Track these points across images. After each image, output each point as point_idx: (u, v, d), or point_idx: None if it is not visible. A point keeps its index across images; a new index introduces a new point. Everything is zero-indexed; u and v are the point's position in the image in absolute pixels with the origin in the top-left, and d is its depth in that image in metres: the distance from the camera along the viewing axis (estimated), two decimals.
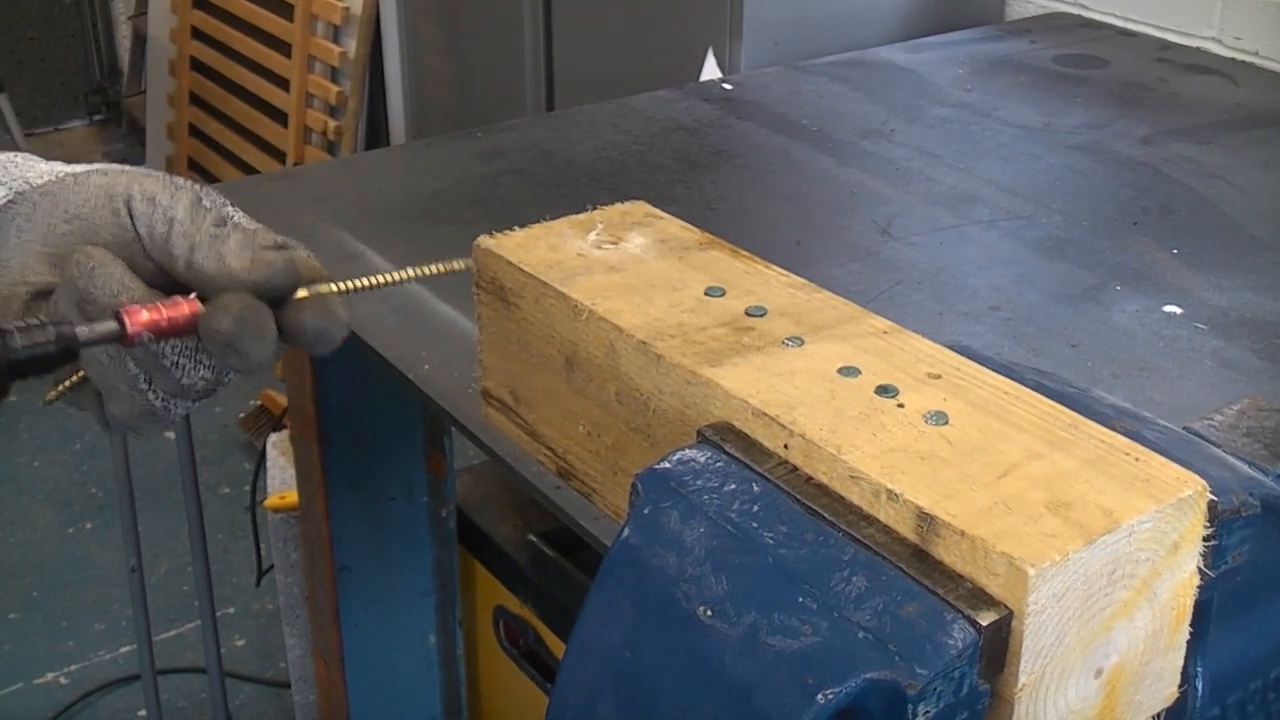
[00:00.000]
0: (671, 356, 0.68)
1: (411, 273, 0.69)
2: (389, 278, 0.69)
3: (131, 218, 0.64)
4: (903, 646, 0.53)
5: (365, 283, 0.68)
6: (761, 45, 2.07)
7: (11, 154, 0.71)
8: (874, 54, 2.07)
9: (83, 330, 0.59)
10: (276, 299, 0.63)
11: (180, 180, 0.67)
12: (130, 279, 0.62)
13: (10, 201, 0.67)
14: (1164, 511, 0.56)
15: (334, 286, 0.66)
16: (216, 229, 0.63)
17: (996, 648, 0.54)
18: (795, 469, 0.62)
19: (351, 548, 1.73)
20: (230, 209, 0.67)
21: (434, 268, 0.70)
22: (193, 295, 0.63)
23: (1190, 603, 0.59)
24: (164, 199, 0.64)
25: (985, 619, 0.53)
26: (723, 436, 0.64)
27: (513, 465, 1.06)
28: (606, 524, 0.82)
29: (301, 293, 0.65)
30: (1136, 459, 0.59)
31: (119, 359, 0.64)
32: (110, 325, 0.59)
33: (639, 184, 1.60)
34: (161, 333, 0.60)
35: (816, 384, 0.65)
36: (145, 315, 0.60)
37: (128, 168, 0.68)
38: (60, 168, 0.69)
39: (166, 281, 0.65)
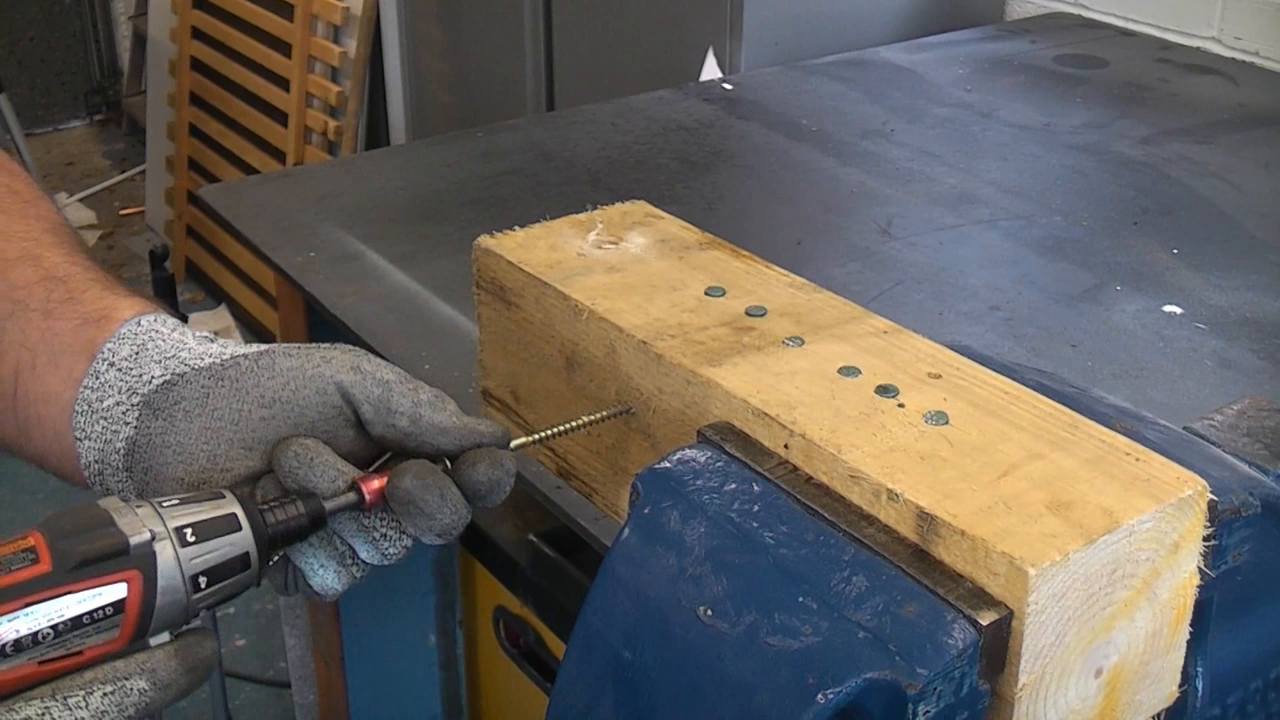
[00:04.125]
0: (672, 356, 0.68)
1: (586, 419, 0.72)
2: (568, 426, 0.72)
3: (343, 393, 0.65)
4: (903, 646, 0.53)
5: (549, 432, 0.72)
6: (761, 45, 2.07)
7: (153, 319, 0.70)
8: (874, 54, 2.07)
9: (329, 503, 0.63)
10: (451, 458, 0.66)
11: (359, 351, 0.69)
12: (344, 464, 0.64)
13: (168, 382, 0.66)
14: (1164, 511, 0.56)
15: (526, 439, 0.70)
16: (420, 386, 0.65)
17: (997, 647, 0.54)
18: (795, 469, 0.62)
19: None
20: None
21: (602, 414, 0.73)
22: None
23: (1190, 603, 0.60)
24: (367, 366, 0.66)
25: (985, 619, 0.53)
26: (723, 436, 0.64)
27: None
28: (607, 524, 0.82)
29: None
30: (1137, 459, 0.59)
31: (328, 537, 0.66)
32: (350, 496, 0.63)
33: (639, 184, 1.60)
34: None
35: (817, 384, 0.65)
36: (376, 484, 0.64)
37: (295, 346, 0.68)
38: (216, 348, 0.69)
39: (371, 456, 0.66)
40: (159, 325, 0.70)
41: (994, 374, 0.66)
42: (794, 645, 0.54)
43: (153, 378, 0.67)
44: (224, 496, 0.62)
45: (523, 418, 0.82)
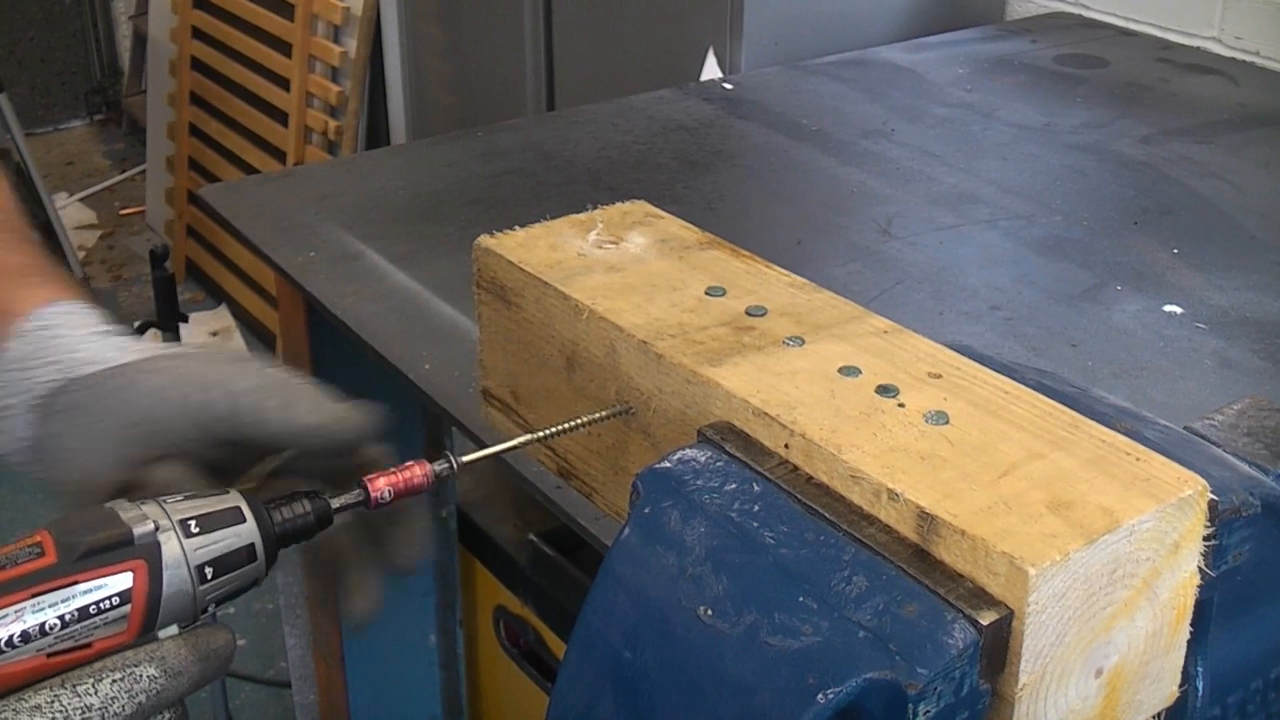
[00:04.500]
0: (672, 356, 0.68)
1: (585, 419, 0.73)
2: (564, 427, 0.72)
3: (196, 410, 0.65)
4: (903, 646, 0.53)
5: (547, 432, 0.72)
6: (761, 45, 2.07)
7: (62, 309, 0.70)
8: (874, 54, 2.07)
9: (335, 501, 0.64)
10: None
11: (243, 355, 0.68)
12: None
13: (60, 387, 0.66)
14: (1164, 511, 0.56)
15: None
16: (283, 391, 0.65)
17: (997, 647, 0.54)
18: (796, 469, 0.62)
19: None
20: (296, 376, 0.69)
21: (601, 414, 0.73)
22: (422, 460, 0.67)
23: (1190, 602, 0.59)
24: (214, 377, 0.65)
25: (986, 619, 0.53)
26: (723, 436, 0.64)
27: (513, 465, 1.06)
28: (607, 524, 0.82)
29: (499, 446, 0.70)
30: (1137, 459, 0.59)
31: None
32: (356, 494, 0.65)
33: (639, 184, 1.60)
34: (399, 493, 0.66)
35: (817, 383, 0.65)
36: (383, 481, 0.65)
37: (179, 351, 0.68)
38: (107, 350, 0.68)
39: (249, 460, 0.66)
40: (59, 320, 0.69)
41: (994, 374, 0.66)
42: (794, 645, 0.54)
43: (44, 381, 0.67)
44: (228, 493, 0.62)
45: (523, 418, 0.82)
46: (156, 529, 0.59)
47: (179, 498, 0.61)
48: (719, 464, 0.63)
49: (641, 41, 2.28)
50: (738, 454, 0.63)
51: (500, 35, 2.61)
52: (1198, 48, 2.11)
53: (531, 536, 1.61)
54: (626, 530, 0.61)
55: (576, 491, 0.80)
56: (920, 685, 0.52)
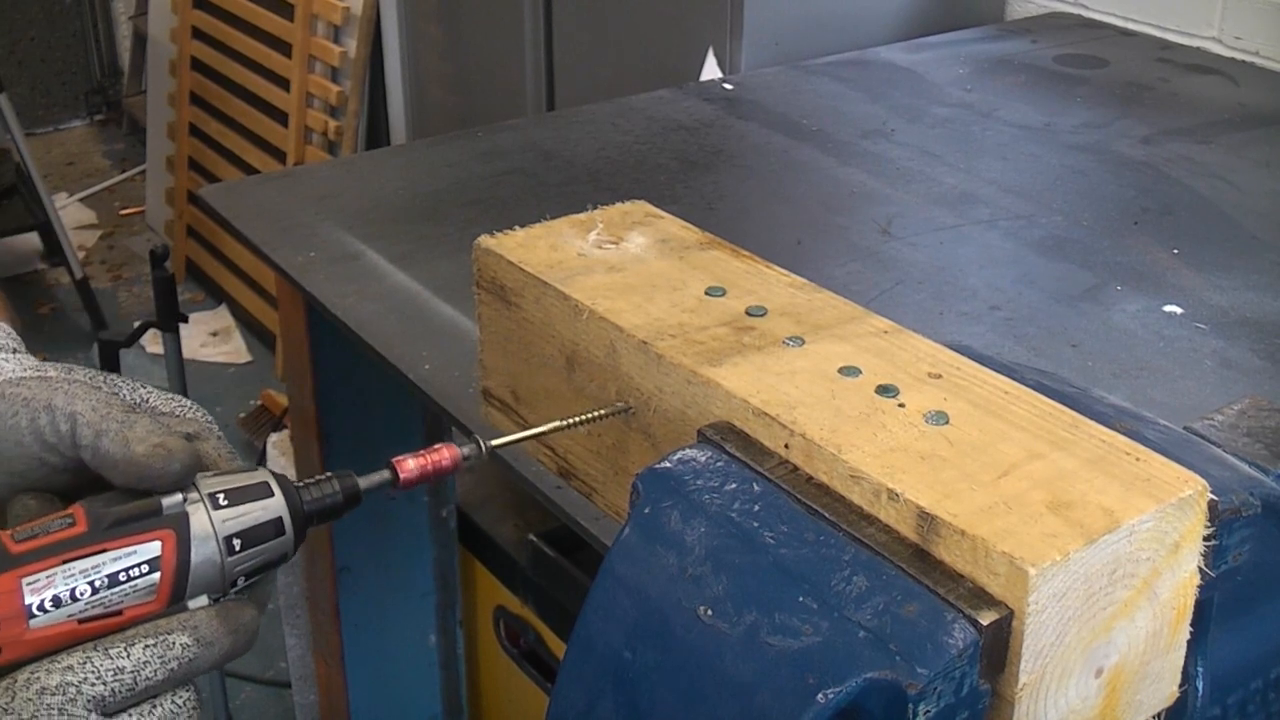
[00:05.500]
0: (672, 356, 0.68)
1: (578, 418, 0.73)
2: (555, 426, 0.72)
3: (36, 438, 0.64)
4: (903, 646, 0.53)
5: (540, 430, 0.73)
6: (761, 45, 2.07)
7: None
8: (874, 54, 2.07)
9: (363, 481, 0.65)
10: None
11: (93, 377, 0.67)
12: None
13: None
14: (1164, 511, 0.56)
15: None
16: (125, 415, 0.63)
17: (997, 647, 0.54)
18: (796, 469, 0.62)
19: (351, 548, 1.73)
20: (152, 396, 0.68)
21: (597, 413, 0.73)
22: (451, 442, 0.68)
23: (1190, 602, 0.59)
24: (60, 401, 0.64)
25: (986, 619, 0.53)
26: (723, 436, 0.64)
27: (513, 465, 1.06)
28: (607, 524, 0.82)
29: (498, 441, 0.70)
30: (1137, 459, 0.59)
31: None
32: (385, 474, 0.66)
33: (639, 184, 1.60)
34: (427, 476, 0.67)
35: (817, 384, 0.65)
36: (412, 463, 0.66)
37: (34, 375, 0.67)
38: None
39: (92, 478, 0.64)
40: None
41: (994, 374, 0.66)
42: (794, 645, 0.54)
43: None
44: (257, 469, 0.63)
45: (523, 417, 0.82)
46: (184, 500, 0.60)
47: (208, 473, 0.62)
48: (719, 464, 0.63)
49: (641, 41, 2.28)
50: (738, 454, 0.63)
51: (500, 35, 2.61)
52: (1198, 48, 2.11)
53: (531, 536, 1.61)
54: (626, 530, 0.61)
55: (576, 491, 0.80)
56: (920, 685, 0.52)
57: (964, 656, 0.53)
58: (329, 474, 0.65)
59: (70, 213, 4.34)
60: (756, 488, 0.61)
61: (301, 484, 0.64)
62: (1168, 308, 1.32)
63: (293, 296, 1.55)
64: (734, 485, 0.61)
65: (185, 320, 2.69)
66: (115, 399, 0.65)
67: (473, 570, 1.76)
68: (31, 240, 3.88)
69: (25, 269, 4.08)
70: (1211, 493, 0.58)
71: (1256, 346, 1.25)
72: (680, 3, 2.16)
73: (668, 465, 0.63)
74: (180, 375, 2.38)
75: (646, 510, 0.61)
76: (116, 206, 4.50)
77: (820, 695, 0.52)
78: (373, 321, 1.31)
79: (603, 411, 0.72)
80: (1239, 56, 2.06)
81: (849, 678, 0.52)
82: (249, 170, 3.60)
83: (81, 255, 3.99)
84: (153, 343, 3.15)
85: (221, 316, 3.80)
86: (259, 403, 3.27)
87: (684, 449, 0.64)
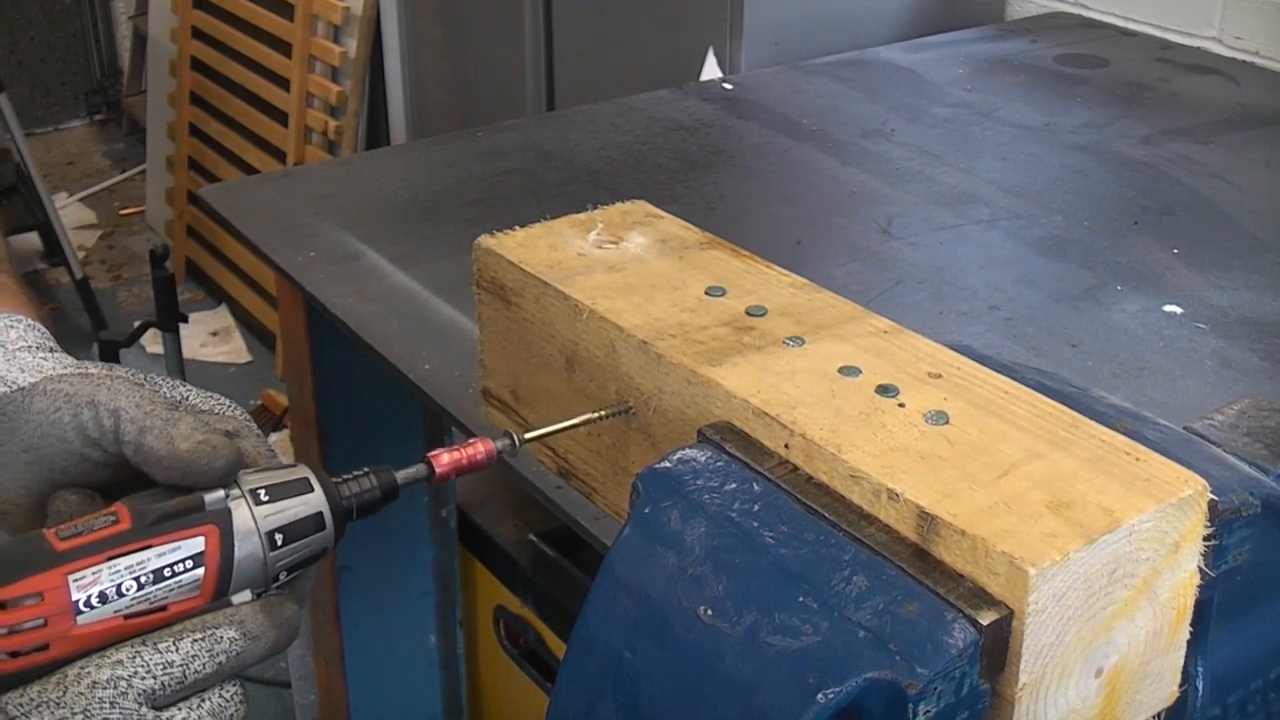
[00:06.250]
0: (672, 356, 0.68)
1: (607, 411, 0.74)
2: (587, 419, 0.73)
3: (80, 434, 0.65)
4: (903, 646, 0.53)
5: (570, 424, 0.74)
6: (761, 45, 2.07)
7: None
8: (874, 54, 2.07)
9: (400, 475, 0.66)
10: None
11: (134, 375, 0.68)
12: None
13: None
14: (1164, 511, 0.56)
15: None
16: (168, 413, 0.64)
17: (997, 647, 0.54)
18: (796, 468, 0.62)
19: (351, 548, 1.73)
20: (192, 394, 0.69)
21: (602, 412, 0.74)
22: (485, 437, 0.68)
23: (1190, 602, 0.59)
24: (103, 397, 0.65)
25: (986, 618, 0.53)
26: (723, 436, 0.64)
27: (513, 465, 1.06)
28: (607, 523, 0.82)
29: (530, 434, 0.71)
30: (1137, 459, 0.59)
31: None
32: (421, 469, 0.67)
33: (639, 184, 1.60)
34: (462, 469, 0.67)
35: (817, 383, 0.65)
36: (447, 457, 0.67)
37: (77, 371, 0.67)
38: (12, 372, 0.68)
39: (133, 474, 0.65)
40: None
41: (994, 374, 0.66)
42: (794, 645, 0.54)
43: None
44: (297, 465, 0.64)
45: (523, 417, 0.82)
46: (226, 496, 0.61)
47: (248, 470, 0.63)
48: (719, 464, 0.63)
49: (641, 41, 2.28)
50: (738, 454, 0.63)
51: (500, 35, 2.61)
52: (1198, 48, 2.10)
53: (531, 536, 1.61)
54: (626, 530, 0.61)
55: (576, 491, 0.80)
56: (920, 685, 0.52)
57: (964, 656, 0.53)
58: (366, 469, 0.65)
59: (70, 213, 4.34)
60: (756, 488, 0.61)
61: (340, 479, 0.64)
62: (1168, 308, 1.32)
63: (293, 296, 1.55)
64: (734, 485, 0.61)
65: (185, 320, 2.69)
66: (158, 396, 0.66)
67: (473, 570, 1.76)
68: (31, 240, 3.88)
69: (25, 269, 4.08)
70: (1211, 493, 0.58)
71: (1256, 346, 1.25)
72: (680, 3, 2.16)
73: (668, 465, 0.63)
74: (180, 375, 2.38)
75: (646, 510, 0.61)
76: (116, 206, 4.50)
77: (820, 695, 0.52)
78: (373, 321, 1.31)
79: (630, 404, 0.73)
80: (1239, 56, 2.06)
81: (849, 678, 0.52)
82: (249, 170, 3.60)
83: (81, 255, 3.99)
84: (153, 343, 3.15)
85: (221, 316, 3.80)
86: (259, 403, 3.27)
87: (684, 449, 0.64)
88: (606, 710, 0.59)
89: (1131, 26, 2.20)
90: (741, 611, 0.56)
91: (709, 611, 0.56)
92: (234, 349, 3.68)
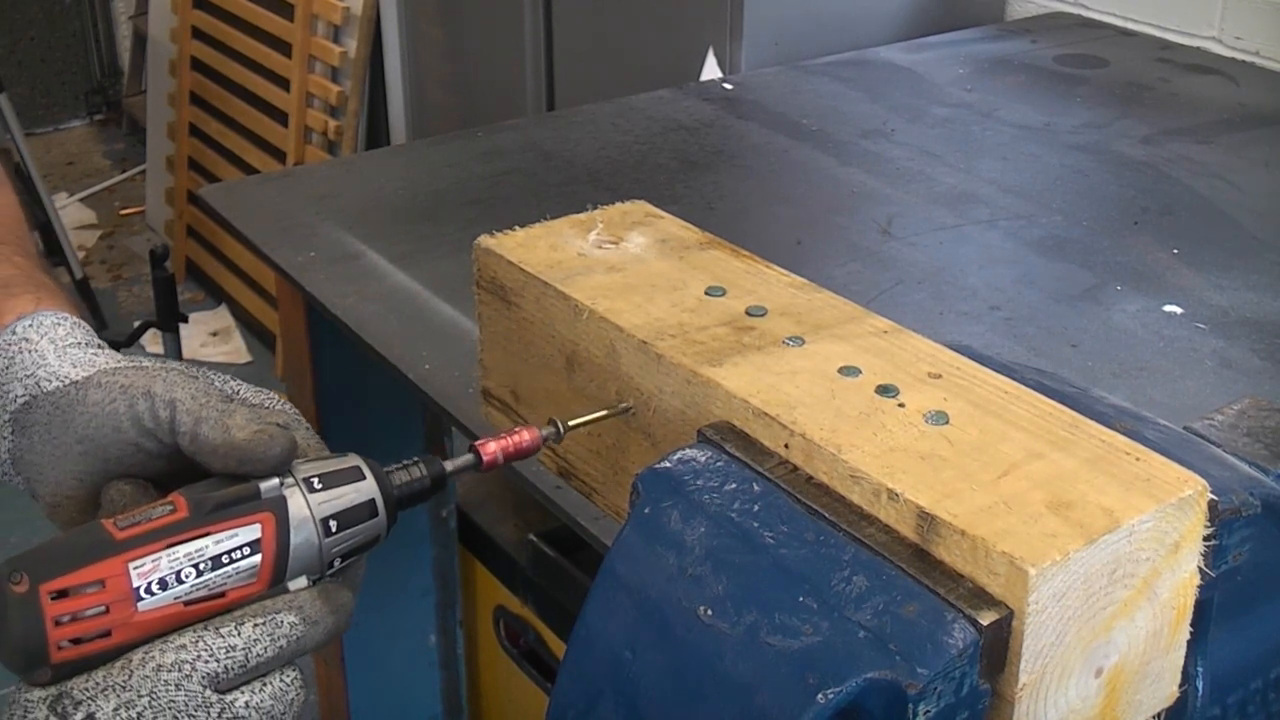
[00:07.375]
0: (672, 356, 0.68)
1: (627, 404, 0.74)
2: (625, 407, 0.74)
3: (135, 424, 0.66)
4: (903, 646, 0.53)
5: (611, 412, 0.74)
6: (761, 45, 2.07)
7: (29, 324, 0.71)
8: (874, 54, 2.07)
9: (448, 464, 0.68)
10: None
11: (188, 368, 0.69)
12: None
13: (27, 403, 0.68)
14: (1164, 511, 0.56)
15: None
16: (223, 404, 0.65)
17: (997, 647, 0.54)
18: (796, 469, 0.62)
19: None
20: (243, 388, 0.70)
21: (602, 412, 0.74)
22: (531, 425, 0.70)
23: (1190, 602, 0.59)
24: (159, 389, 0.66)
25: (986, 619, 0.53)
26: (723, 436, 0.64)
27: (513, 465, 1.06)
28: (607, 524, 0.82)
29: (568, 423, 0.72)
30: (1137, 459, 0.59)
31: None
32: (469, 458, 0.68)
33: (639, 184, 1.60)
34: (510, 457, 0.69)
35: (817, 384, 0.65)
36: (494, 445, 0.68)
37: (130, 364, 0.68)
38: (64, 366, 0.69)
39: (186, 465, 0.66)
40: (31, 333, 0.70)
41: (994, 374, 0.66)
42: (794, 645, 0.54)
43: (16, 396, 0.68)
44: (348, 455, 0.65)
45: (523, 417, 0.82)
46: (281, 484, 0.62)
47: (300, 460, 0.64)
48: (719, 464, 0.63)
49: (641, 41, 2.28)
50: (738, 454, 0.63)
51: (500, 35, 2.61)
52: (1198, 48, 2.10)
53: (531, 536, 1.61)
54: (626, 530, 0.61)
55: (576, 491, 0.80)
56: (920, 685, 0.52)
57: (964, 656, 0.53)
58: (416, 458, 0.67)
59: (70, 213, 4.34)
60: (756, 488, 0.61)
61: (390, 469, 0.66)
62: (1168, 308, 1.32)
63: (293, 296, 1.55)
64: (734, 485, 0.61)
65: (185, 320, 2.69)
66: (212, 388, 0.67)
67: (473, 570, 1.76)
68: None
69: None
70: (1211, 493, 0.58)
71: (1256, 346, 1.25)
72: (680, 3, 2.16)
73: (668, 465, 0.63)
74: None
75: (646, 510, 0.61)
76: (116, 206, 4.49)
77: (820, 695, 0.52)
78: (373, 321, 1.31)
79: (630, 404, 0.73)
80: (1239, 56, 2.06)
81: (849, 678, 0.52)
82: (249, 170, 3.60)
83: (81, 255, 3.98)
84: (153, 343, 3.15)
85: (221, 316, 3.80)
86: None
87: (684, 449, 0.64)
88: (606, 710, 0.59)
89: (1131, 26, 2.20)
90: (741, 611, 0.56)
91: (709, 611, 0.56)
92: (234, 349, 3.68)
